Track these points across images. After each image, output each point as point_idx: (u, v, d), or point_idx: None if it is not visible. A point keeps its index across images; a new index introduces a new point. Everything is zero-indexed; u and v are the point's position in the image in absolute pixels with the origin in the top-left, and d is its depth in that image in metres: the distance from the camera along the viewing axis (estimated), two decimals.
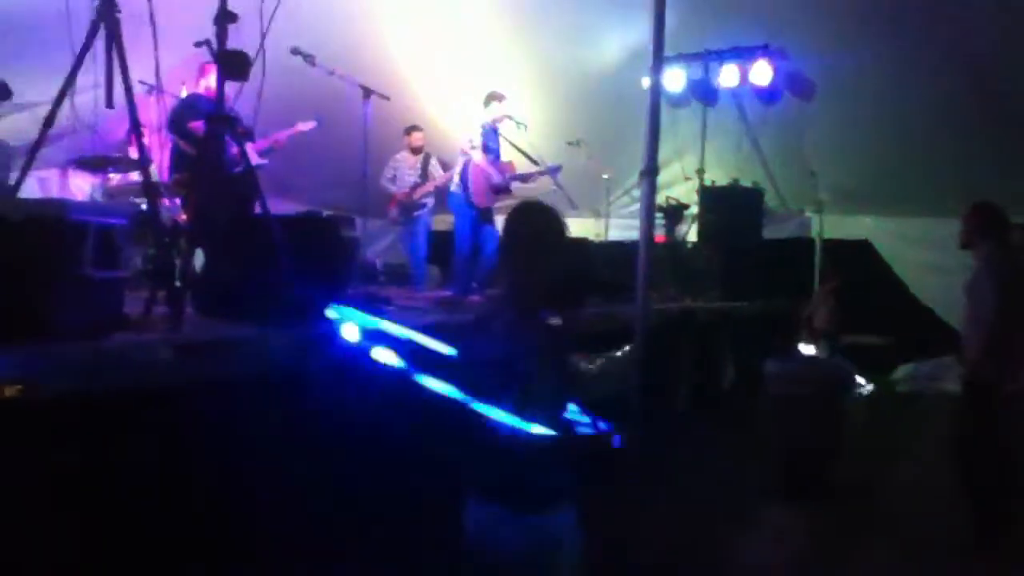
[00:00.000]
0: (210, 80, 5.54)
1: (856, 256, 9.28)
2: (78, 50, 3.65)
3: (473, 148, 7.33)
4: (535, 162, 7.47)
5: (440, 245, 8.55)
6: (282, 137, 6.54)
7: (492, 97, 7.50)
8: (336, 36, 6.94)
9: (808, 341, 8.50)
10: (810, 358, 7.72)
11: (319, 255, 4.11)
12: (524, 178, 7.55)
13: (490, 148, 7.39)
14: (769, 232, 9.15)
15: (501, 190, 7.34)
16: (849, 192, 8.85)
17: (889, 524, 4.91)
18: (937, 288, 8.07)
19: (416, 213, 8.31)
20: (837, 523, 4.91)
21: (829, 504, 5.16)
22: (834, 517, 4.97)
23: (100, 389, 2.69)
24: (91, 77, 3.67)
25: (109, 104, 3.75)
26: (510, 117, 7.49)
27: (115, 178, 6.75)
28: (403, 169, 8.32)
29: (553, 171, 7.38)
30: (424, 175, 8.24)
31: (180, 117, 5.77)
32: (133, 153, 6.62)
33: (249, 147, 6.27)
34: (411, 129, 8.38)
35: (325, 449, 3.52)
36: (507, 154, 7.55)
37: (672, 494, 5.06)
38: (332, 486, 3.54)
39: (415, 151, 8.33)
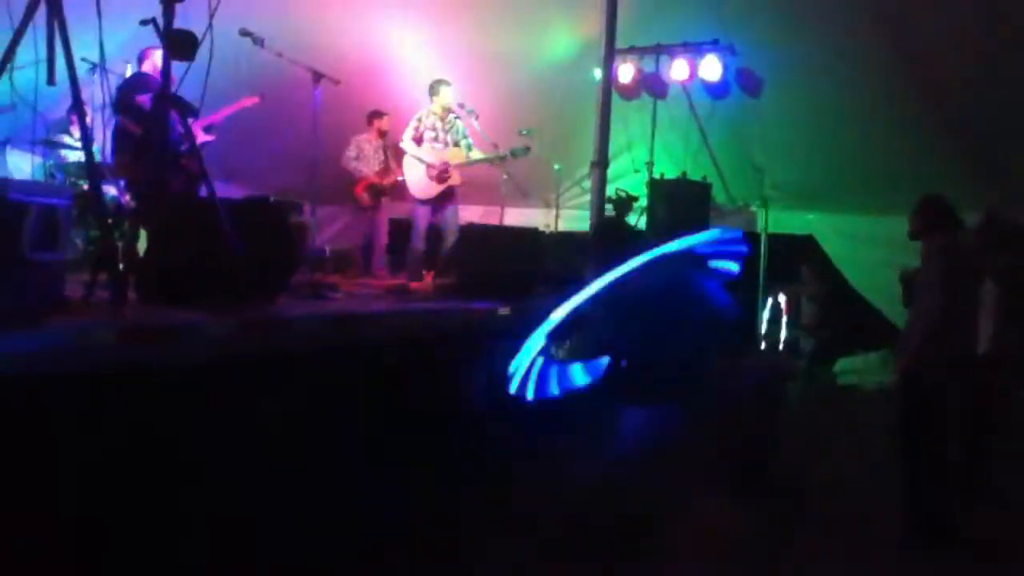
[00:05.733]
0: (156, 60, 5.42)
1: (800, 251, 9.44)
2: (17, 24, 3.54)
3: (403, 142, 7.38)
4: (496, 147, 7.50)
5: (393, 233, 8.50)
6: (225, 113, 6.42)
7: (439, 84, 7.48)
8: (286, 19, 6.84)
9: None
10: (752, 352, 7.86)
11: (265, 240, 4.05)
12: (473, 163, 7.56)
13: (431, 138, 7.38)
14: (716, 225, 9.25)
15: (442, 177, 7.32)
16: (794, 188, 8.99)
17: (829, 515, 4.99)
18: (878, 283, 8.25)
19: (384, 198, 8.23)
20: (778, 513, 4.97)
21: (770, 494, 5.22)
22: (776, 507, 5.03)
23: (39, 374, 2.62)
24: (32, 53, 3.56)
25: (51, 81, 3.65)
26: (462, 105, 7.49)
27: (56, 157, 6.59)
28: (368, 150, 8.24)
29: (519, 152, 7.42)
30: (387, 162, 8.19)
31: (125, 94, 5.62)
32: (75, 132, 6.49)
33: (194, 125, 6.15)
34: (380, 113, 8.30)
35: (277, 439, 3.48)
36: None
37: (614, 480, 5.09)
38: (282, 477, 3.50)
39: (381, 134, 8.27)
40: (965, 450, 5.09)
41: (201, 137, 6.33)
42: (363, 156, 8.21)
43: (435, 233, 7.50)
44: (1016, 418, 5.41)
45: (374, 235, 8.32)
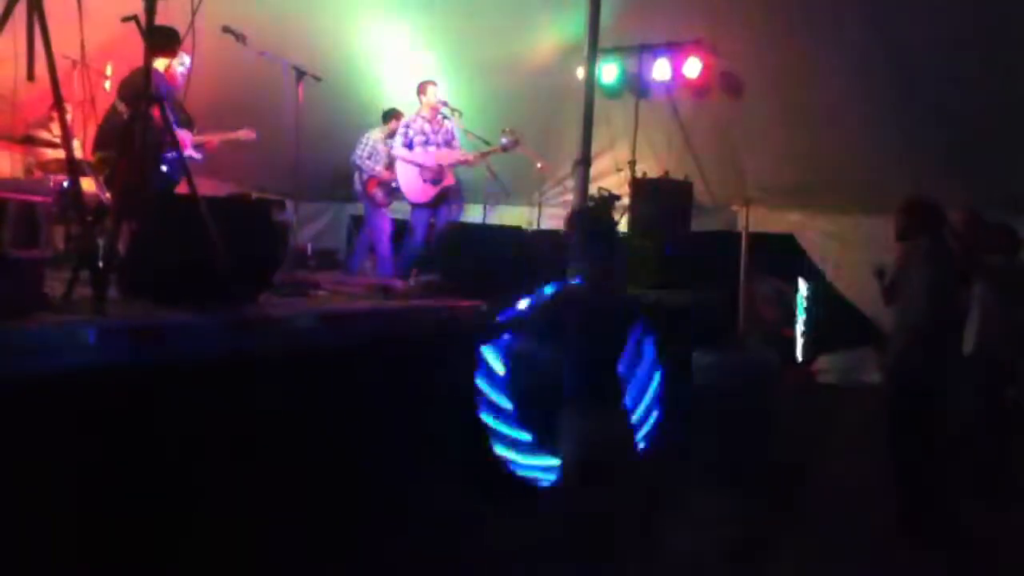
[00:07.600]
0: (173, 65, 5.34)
1: (780, 250, 9.49)
2: None
3: (395, 149, 7.36)
4: (486, 143, 7.52)
5: (394, 235, 8.42)
6: (220, 138, 6.37)
7: (424, 86, 7.48)
8: (269, 16, 6.81)
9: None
10: (737, 349, 7.89)
11: (247, 238, 4.04)
12: (465, 161, 7.56)
13: (421, 141, 7.37)
14: (698, 224, 9.29)
15: (436, 180, 7.33)
16: (776, 187, 9.03)
17: (820, 512, 5.01)
18: (859, 282, 8.29)
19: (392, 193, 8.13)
20: (768, 510, 4.98)
21: (760, 491, 5.23)
22: (764, 504, 5.05)
23: (18, 373, 2.61)
24: (11, 47, 3.53)
25: (30, 77, 3.61)
26: (445, 103, 7.49)
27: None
28: (381, 149, 8.18)
29: (509, 145, 7.42)
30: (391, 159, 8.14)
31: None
32: (55, 128, 6.43)
33: (185, 136, 6.10)
34: (399, 113, 8.19)
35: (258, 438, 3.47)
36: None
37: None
38: (269, 477, 3.49)
39: (393, 134, 8.19)
40: (966, 449, 5.13)
41: (188, 151, 6.28)
42: (376, 154, 8.16)
43: (432, 235, 7.49)
44: (1011, 416, 5.45)
45: (376, 235, 8.22)
